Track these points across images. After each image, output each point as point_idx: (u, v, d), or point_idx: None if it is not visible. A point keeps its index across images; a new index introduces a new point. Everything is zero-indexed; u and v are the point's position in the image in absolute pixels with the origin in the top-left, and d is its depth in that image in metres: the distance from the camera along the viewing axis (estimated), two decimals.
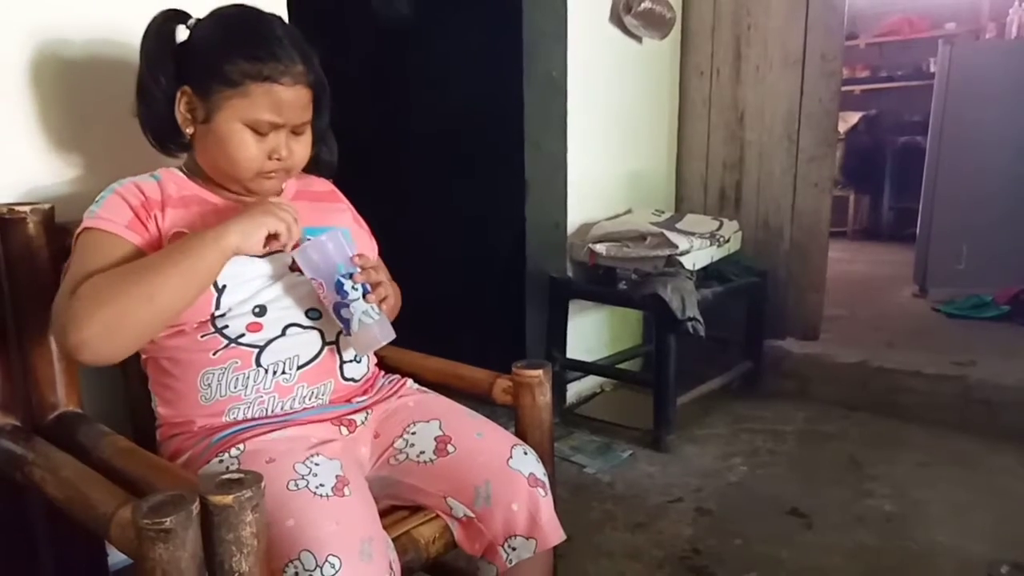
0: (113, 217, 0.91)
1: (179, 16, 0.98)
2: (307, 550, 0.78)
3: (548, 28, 2.08)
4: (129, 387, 1.11)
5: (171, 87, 0.95)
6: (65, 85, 1.11)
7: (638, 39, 2.43)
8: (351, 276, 0.94)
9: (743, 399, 2.45)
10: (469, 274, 2.29)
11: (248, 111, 0.92)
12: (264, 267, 0.97)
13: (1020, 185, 3.07)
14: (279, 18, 0.98)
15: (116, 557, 1.11)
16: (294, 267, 0.97)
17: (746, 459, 2.04)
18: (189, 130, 0.96)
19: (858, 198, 5.45)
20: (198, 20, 0.98)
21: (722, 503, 1.80)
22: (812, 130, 2.46)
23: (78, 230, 0.93)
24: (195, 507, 0.70)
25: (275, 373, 0.96)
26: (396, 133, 2.35)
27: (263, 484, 0.74)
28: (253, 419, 0.96)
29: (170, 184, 0.98)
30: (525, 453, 1.02)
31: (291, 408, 0.98)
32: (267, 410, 0.97)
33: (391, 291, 1.05)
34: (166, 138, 0.99)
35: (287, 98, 0.93)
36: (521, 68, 2.01)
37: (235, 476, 0.74)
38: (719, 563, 1.55)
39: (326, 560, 0.78)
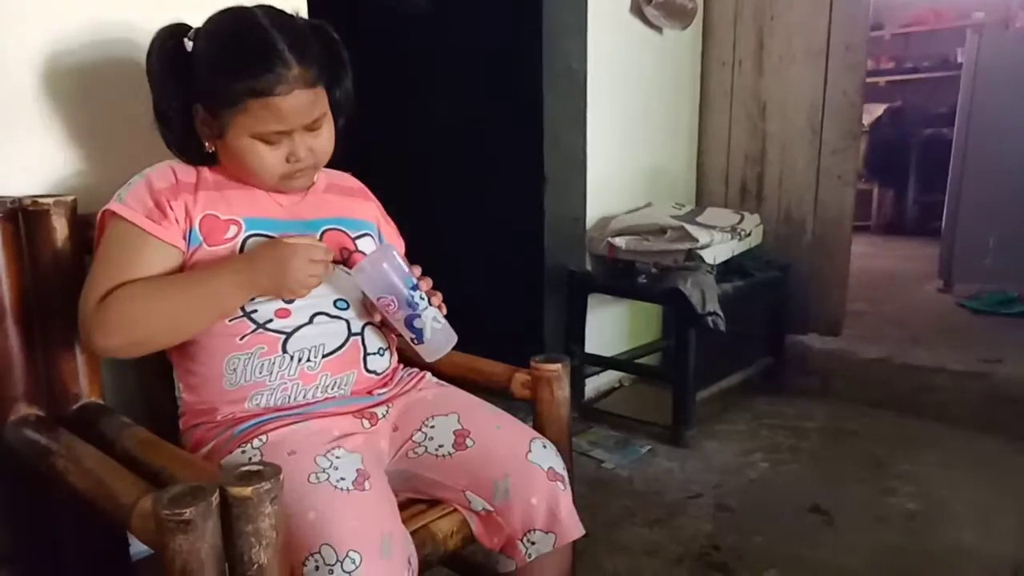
0: (135, 205, 0.93)
1: (180, 30, 0.95)
2: (328, 544, 0.78)
3: (568, 20, 2.06)
4: (150, 380, 1.12)
5: (185, 103, 0.95)
6: (89, 79, 1.11)
7: (659, 30, 2.40)
8: (416, 287, 0.97)
9: (764, 395, 2.42)
10: (487, 268, 2.28)
11: (253, 126, 0.92)
12: None
13: None
14: (271, 18, 0.93)
15: (138, 547, 1.12)
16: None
17: (767, 455, 2.02)
18: (210, 146, 0.98)
19: (882, 192, 5.35)
20: (197, 31, 0.95)
21: (742, 500, 1.78)
22: (836, 122, 2.41)
23: (103, 209, 0.95)
24: (215, 498, 0.70)
25: (300, 360, 0.97)
26: (414, 127, 2.35)
27: (282, 476, 0.74)
28: (276, 408, 0.97)
29: (204, 170, 0.99)
30: (544, 447, 1.02)
31: (313, 397, 0.99)
32: (290, 397, 0.97)
33: None
34: (192, 153, 0.99)
35: (286, 106, 0.91)
36: (540, 61, 1.99)
37: (254, 468, 0.75)
38: (739, 560, 1.54)
39: (347, 555, 0.78)
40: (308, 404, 0.98)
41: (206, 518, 0.69)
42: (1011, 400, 2.13)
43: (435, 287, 1.03)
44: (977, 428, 2.13)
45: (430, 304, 0.99)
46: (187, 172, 0.98)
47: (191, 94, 0.94)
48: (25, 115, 1.06)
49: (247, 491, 0.72)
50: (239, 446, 0.93)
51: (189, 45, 0.95)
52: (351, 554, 0.78)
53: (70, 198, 1.01)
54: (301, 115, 0.94)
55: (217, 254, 0.94)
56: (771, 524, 1.66)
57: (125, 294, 0.88)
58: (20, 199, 0.99)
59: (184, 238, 0.94)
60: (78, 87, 1.11)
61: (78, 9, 1.09)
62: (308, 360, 0.97)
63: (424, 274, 1.03)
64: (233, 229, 0.96)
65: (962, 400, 2.21)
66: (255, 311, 0.95)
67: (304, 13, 1.33)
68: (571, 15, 2.07)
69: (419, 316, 0.97)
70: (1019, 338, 2.54)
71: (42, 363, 1.02)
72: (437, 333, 0.99)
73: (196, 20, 0.97)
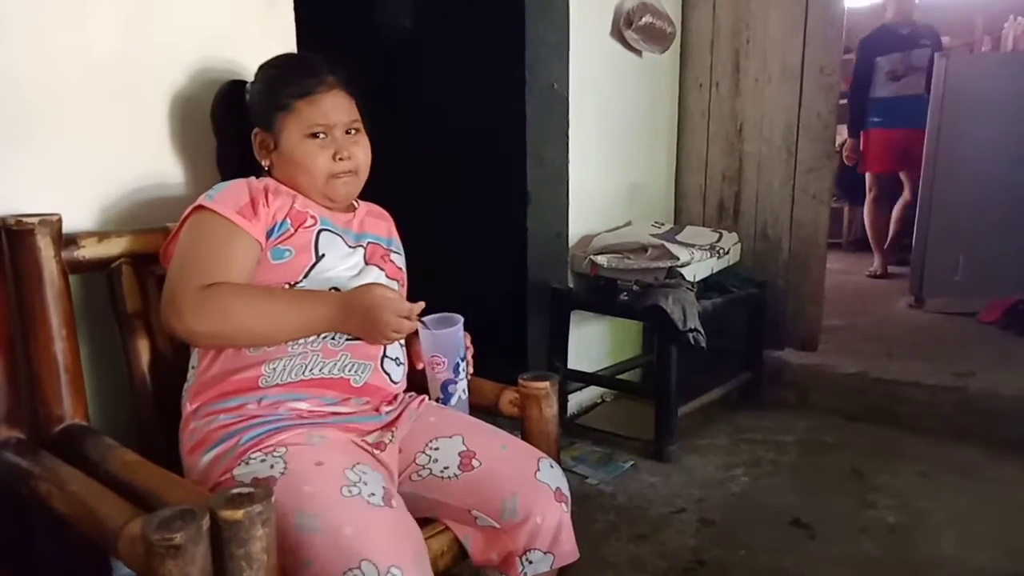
0: (227, 202, 1.00)
1: (239, 84, 1.15)
2: (368, 560, 0.79)
3: (550, 41, 2.10)
4: (136, 400, 1.10)
5: (244, 135, 1.11)
6: (76, 97, 1.11)
7: (638, 53, 2.45)
8: (464, 358, 1.10)
9: (744, 409, 2.45)
10: (471, 285, 2.28)
11: (302, 124, 1.06)
12: (357, 258, 1.08)
13: (1016, 196, 3.09)
14: (310, 53, 1.15)
15: (121, 571, 1.10)
16: (370, 262, 1.10)
17: (748, 469, 2.04)
18: (266, 162, 1.11)
19: (852, 210, 5.47)
20: (252, 83, 1.13)
21: (725, 513, 1.80)
22: (810, 142, 2.47)
23: (192, 207, 1.01)
24: (205, 522, 0.70)
25: (325, 337, 1.00)
26: (398, 145, 2.35)
27: (273, 498, 0.74)
28: (288, 383, 0.97)
29: (276, 185, 1.08)
30: (551, 466, 1.04)
31: (329, 373, 1.00)
32: (306, 368, 0.99)
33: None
34: (251, 175, 1.09)
35: (327, 103, 1.07)
36: (523, 81, 2.02)
37: (245, 490, 0.74)
38: (724, 574, 1.55)
39: (388, 571, 0.78)
40: (320, 414, 0.99)
41: (196, 542, 0.69)
42: (984, 412, 2.19)
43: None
44: (952, 439, 2.17)
45: (466, 378, 1.12)
46: (267, 183, 1.06)
47: (249, 124, 1.11)
48: (10, 133, 1.05)
49: (238, 514, 0.71)
50: (250, 453, 0.92)
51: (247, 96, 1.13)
52: (392, 570, 0.79)
53: (55, 217, 1.00)
54: (341, 112, 1.08)
55: (303, 237, 1.03)
56: (754, 538, 1.68)
57: (230, 290, 0.95)
58: (4, 218, 0.98)
59: (265, 234, 1.01)
60: (64, 105, 1.10)
61: (63, 28, 1.08)
62: (333, 338, 1.01)
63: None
64: (310, 220, 1.05)
65: (936, 412, 2.26)
66: (298, 281, 1.01)
67: (292, 35, 1.34)
68: (553, 36, 2.11)
69: (455, 383, 1.10)
70: (990, 351, 2.60)
71: (24, 384, 1.00)
72: (460, 403, 1.12)
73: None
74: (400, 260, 1.19)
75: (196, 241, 0.99)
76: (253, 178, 1.07)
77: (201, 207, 1.00)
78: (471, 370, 1.15)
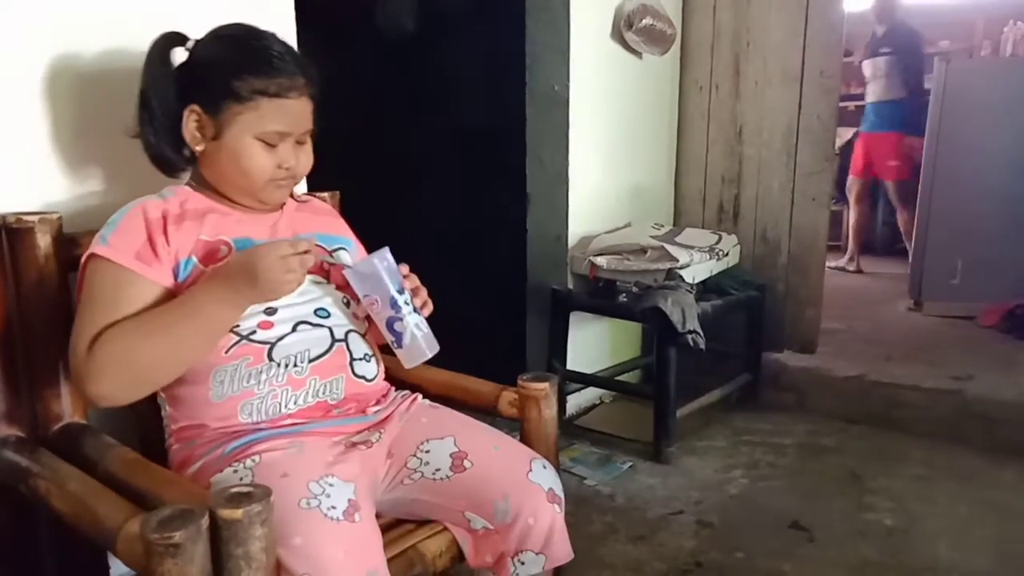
0: (122, 246, 0.91)
1: (179, 39, 1.00)
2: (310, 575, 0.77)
3: (550, 43, 2.10)
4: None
5: (176, 107, 0.97)
6: (81, 95, 1.11)
7: (639, 55, 2.45)
8: (402, 291, 0.98)
9: (742, 411, 2.45)
10: (470, 286, 2.29)
11: (258, 125, 0.95)
12: None
13: (1015, 201, 3.09)
14: (275, 35, 1.00)
15: (119, 569, 1.10)
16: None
17: (746, 471, 2.04)
18: (199, 147, 0.98)
19: None
20: (197, 41, 1.00)
21: (723, 516, 1.80)
22: (810, 145, 2.47)
23: (86, 254, 0.92)
24: (204, 521, 0.70)
25: (287, 366, 0.96)
26: (399, 146, 2.36)
27: (272, 498, 0.74)
28: (270, 421, 0.95)
29: (181, 200, 0.98)
30: (544, 467, 1.03)
31: (305, 403, 0.97)
32: (281, 405, 0.96)
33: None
34: (171, 157, 1.01)
35: (294, 110, 0.97)
36: (524, 82, 2.02)
37: (244, 490, 0.74)
38: None
39: None
40: (303, 421, 0.97)
41: (195, 541, 0.69)
42: (982, 416, 2.19)
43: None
44: (951, 443, 2.17)
45: (416, 311, 1.00)
46: (157, 208, 0.95)
47: (185, 96, 0.97)
48: (9, 130, 1.05)
49: (237, 514, 0.71)
50: (230, 464, 0.92)
51: (185, 54, 1.00)
52: None
53: (55, 215, 1.01)
54: (302, 122, 0.99)
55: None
56: (752, 540, 1.68)
57: (111, 335, 0.87)
58: (4, 216, 0.98)
59: (174, 274, 0.93)
60: (65, 103, 1.10)
61: (64, 26, 1.08)
62: (295, 365, 0.97)
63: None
64: (224, 249, 0.96)
65: (935, 416, 2.26)
66: (238, 325, 0.95)
67: (293, 34, 1.34)
68: (554, 38, 2.11)
69: (401, 320, 0.97)
70: (989, 355, 2.61)
71: (23, 382, 1.00)
72: (417, 340, 0.99)
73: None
74: (350, 257, 1.09)
75: (88, 296, 0.90)
76: (151, 200, 0.96)
77: (95, 256, 0.90)
78: (422, 301, 1.03)
